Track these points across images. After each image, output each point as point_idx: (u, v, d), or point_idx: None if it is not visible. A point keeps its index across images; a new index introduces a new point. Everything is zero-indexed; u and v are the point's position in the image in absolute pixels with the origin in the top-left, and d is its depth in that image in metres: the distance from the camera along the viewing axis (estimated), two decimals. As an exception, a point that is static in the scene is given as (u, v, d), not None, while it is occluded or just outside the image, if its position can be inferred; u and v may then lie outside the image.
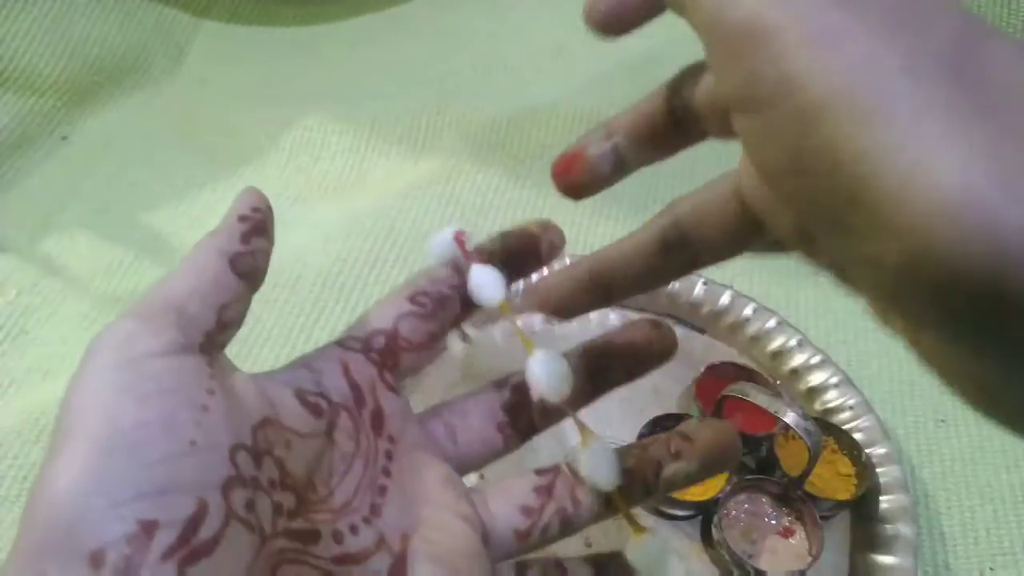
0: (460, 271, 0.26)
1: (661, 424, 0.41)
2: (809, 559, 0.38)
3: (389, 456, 0.23)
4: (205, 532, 0.17)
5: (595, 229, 0.57)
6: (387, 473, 0.23)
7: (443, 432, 0.26)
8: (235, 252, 0.21)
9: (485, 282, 0.25)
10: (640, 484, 0.25)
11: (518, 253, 0.26)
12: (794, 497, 0.39)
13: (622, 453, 0.25)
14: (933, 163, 0.12)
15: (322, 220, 0.58)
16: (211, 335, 0.20)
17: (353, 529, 0.22)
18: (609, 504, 0.25)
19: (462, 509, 0.24)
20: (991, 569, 0.41)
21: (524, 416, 0.26)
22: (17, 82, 0.65)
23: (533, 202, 0.59)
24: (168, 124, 0.68)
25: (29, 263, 0.55)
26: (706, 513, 0.40)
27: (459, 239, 0.26)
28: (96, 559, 0.15)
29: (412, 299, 0.25)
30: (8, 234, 0.58)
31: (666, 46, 0.77)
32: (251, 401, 0.20)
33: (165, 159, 0.65)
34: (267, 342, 0.49)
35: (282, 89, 0.72)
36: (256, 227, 0.22)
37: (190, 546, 0.16)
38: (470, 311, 0.26)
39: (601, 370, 0.26)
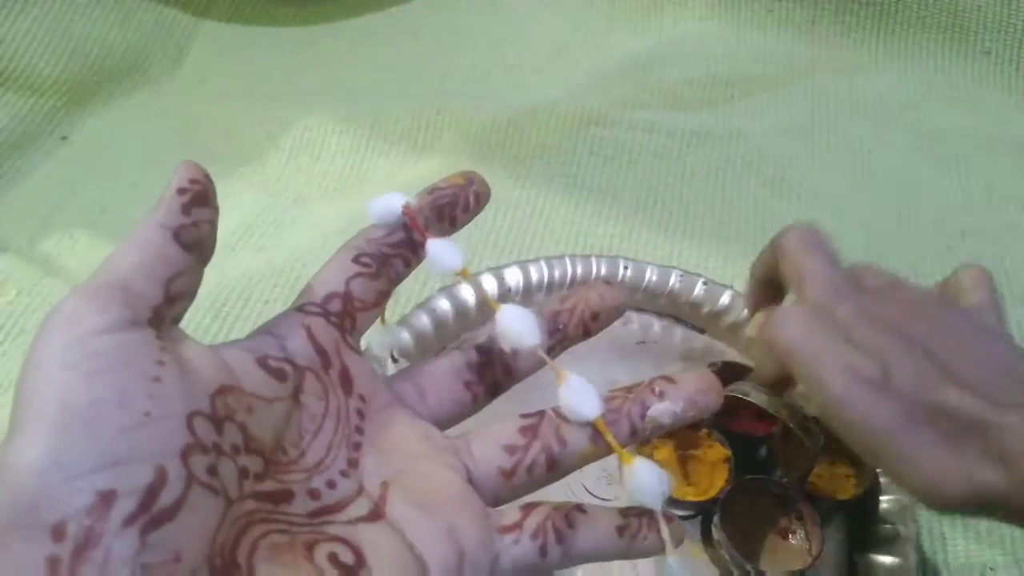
0: (396, 230, 0.26)
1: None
2: (809, 559, 0.38)
3: (361, 415, 0.24)
4: (166, 498, 0.17)
5: (595, 229, 0.57)
6: (360, 431, 0.24)
7: (413, 393, 0.26)
8: (178, 225, 0.21)
9: (443, 254, 0.25)
10: (627, 422, 0.25)
11: (447, 206, 0.27)
12: (794, 497, 0.39)
13: (607, 396, 0.26)
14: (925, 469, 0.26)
15: (322, 220, 0.58)
16: (159, 309, 0.20)
17: (331, 484, 0.22)
18: (596, 442, 0.25)
19: (442, 458, 0.24)
20: (991, 569, 0.41)
21: (490, 373, 0.27)
22: (17, 82, 0.65)
23: (533, 202, 0.59)
24: (168, 124, 0.68)
25: (29, 263, 0.55)
26: (706, 513, 0.40)
27: (409, 213, 0.26)
28: (58, 531, 0.16)
29: (356, 260, 0.25)
30: (8, 234, 0.58)
31: (666, 47, 0.77)
32: (207, 369, 0.20)
33: (165, 159, 0.64)
34: (267, 342, 0.49)
35: (282, 89, 0.72)
36: (196, 198, 0.21)
37: (151, 512, 0.17)
38: (411, 269, 0.27)
39: (560, 327, 0.27)
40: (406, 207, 0.26)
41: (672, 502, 0.40)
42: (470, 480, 0.24)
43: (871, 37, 0.75)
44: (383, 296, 0.26)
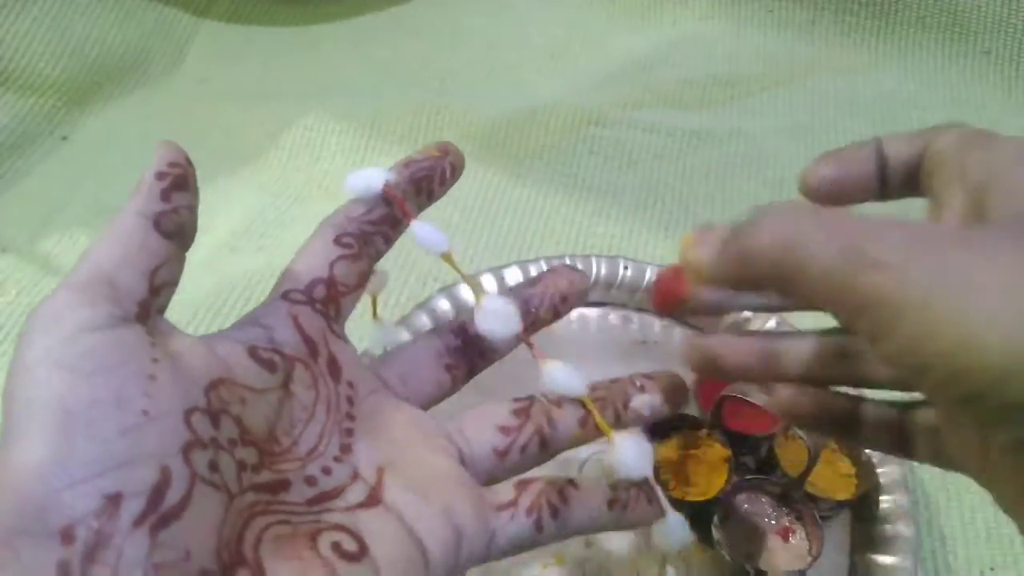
0: (377, 207, 0.26)
1: (661, 424, 0.41)
2: (809, 559, 0.38)
3: (351, 401, 0.24)
4: (172, 497, 0.17)
5: (595, 229, 0.57)
6: (351, 417, 0.24)
7: (395, 378, 0.26)
8: (157, 212, 0.20)
9: (429, 236, 0.26)
10: (611, 409, 0.27)
11: (424, 180, 0.27)
12: (794, 497, 0.39)
13: (592, 386, 0.27)
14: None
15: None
16: (145, 303, 0.20)
17: (326, 470, 0.22)
18: (584, 425, 0.26)
19: (434, 441, 0.25)
20: (991, 569, 0.41)
21: (468, 355, 0.28)
22: (17, 82, 0.65)
23: (533, 202, 0.59)
24: (168, 124, 0.68)
25: (29, 263, 0.55)
26: (706, 513, 0.40)
27: (392, 195, 0.25)
28: (67, 535, 0.16)
29: (338, 241, 0.25)
30: (8, 234, 0.58)
31: (666, 47, 0.77)
32: (200, 363, 0.20)
33: (165, 159, 0.65)
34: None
35: (282, 89, 0.72)
36: (175, 182, 0.21)
37: (158, 512, 0.17)
38: (390, 245, 0.27)
39: (532, 309, 0.28)
40: (387, 187, 0.25)
41: (673, 502, 0.40)
42: (463, 461, 0.25)
43: (871, 37, 0.75)
44: (364, 277, 0.26)
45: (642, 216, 0.58)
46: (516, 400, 0.27)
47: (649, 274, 0.49)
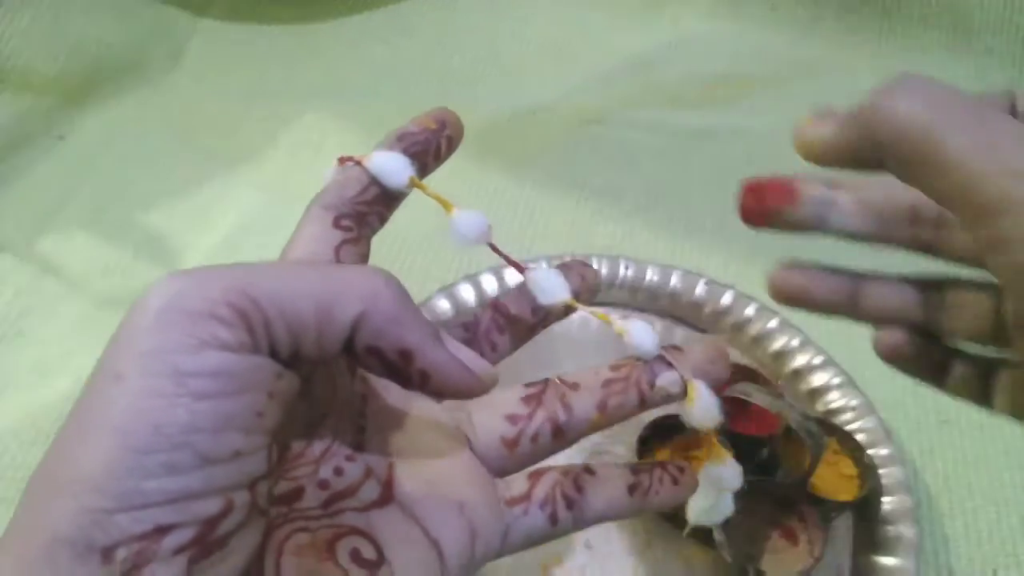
0: (370, 186, 0.25)
1: (661, 426, 0.41)
2: (811, 560, 0.37)
3: (364, 399, 0.23)
4: (224, 528, 0.16)
5: (596, 228, 0.57)
6: (363, 415, 0.23)
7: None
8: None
9: (389, 166, 0.24)
10: (636, 390, 0.24)
11: (419, 155, 0.26)
12: (796, 498, 0.39)
13: (614, 364, 0.25)
14: None
15: (321, 220, 0.58)
16: (293, 357, 0.18)
17: (338, 471, 0.21)
18: (603, 410, 0.24)
19: (444, 431, 0.24)
20: (994, 571, 0.40)
21: (476, 350, 0.26)
22: (14, 82, 0.64)
23: (533, 202, 0.59)
24: (166, 123, 0.68)
25: (27, 263, 0.55)
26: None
27: (347, 158, 0.24)
28: (107, 556, 0.15)
29: (337, 224, 0.24)
30: (5, 234, 0.58)
31: (667, 46, 0.77)
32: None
33: (163, 158, 0.64)
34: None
35: (281, 88, 0.72)
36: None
37: (204, 543, 0.16)
38: (383, 225, 0.25)
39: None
40: (343, 158, 0.24)
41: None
42: (472, 451, 0.24)
43: (873, 36, 0.75)
44: (365, 260, 0.25)
45: (642, 216, 0.58)
46: (528, 385, 0.25)
47: (650, 274, 0.49)
